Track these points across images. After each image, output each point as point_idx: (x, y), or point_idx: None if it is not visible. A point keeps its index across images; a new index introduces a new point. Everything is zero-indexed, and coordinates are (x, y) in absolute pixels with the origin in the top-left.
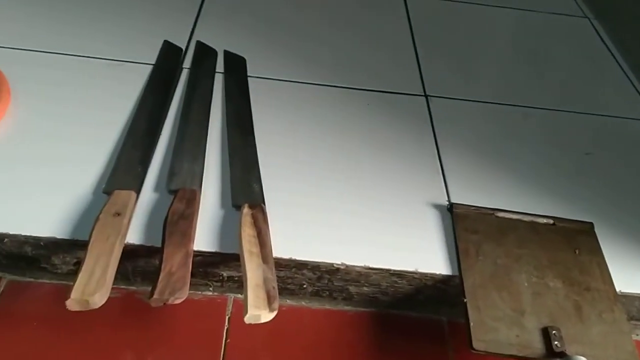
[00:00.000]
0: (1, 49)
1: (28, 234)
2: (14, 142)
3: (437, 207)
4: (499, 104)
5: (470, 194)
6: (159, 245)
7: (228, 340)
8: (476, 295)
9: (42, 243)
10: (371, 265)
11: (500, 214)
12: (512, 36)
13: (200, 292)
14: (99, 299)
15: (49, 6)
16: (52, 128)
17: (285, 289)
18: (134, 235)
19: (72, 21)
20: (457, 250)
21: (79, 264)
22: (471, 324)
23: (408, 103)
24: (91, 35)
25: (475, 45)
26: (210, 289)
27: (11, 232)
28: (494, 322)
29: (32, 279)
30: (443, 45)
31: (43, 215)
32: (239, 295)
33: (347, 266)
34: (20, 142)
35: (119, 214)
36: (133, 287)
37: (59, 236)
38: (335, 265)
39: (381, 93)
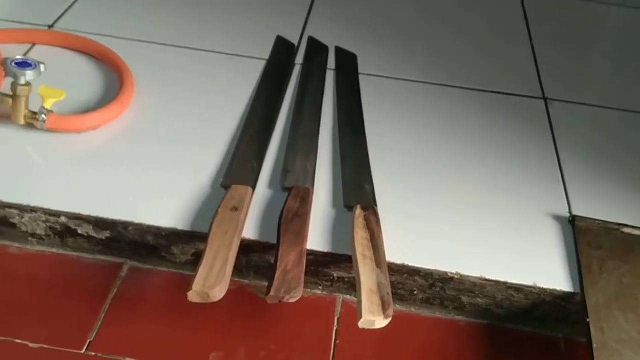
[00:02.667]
0: (126, 41)
1: (151, 224)
2: (138, 132)
3: (558, 218)
4: (625, 110)
5: (594, 207)
6: (273, 241)
7: (337, 341)
8: (600, 316)
9: (163, 233)
10: (487, 277)
11: (627, 230)
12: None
13: (309, 290)
14: (218, 293)
15: (172, 2)
16: (172, 121)
17: (395, 294)
18: (249, 231)
19: (192, 17)
20: (579, 266)
21: (196, 254)
22: (594, 346)
23: (525, 106)
24: (209, 30)
25: (598, 46)
26: (320, 288)
27: (135, 221)
28: (618, 345)
29: (151, 267)
30: (563, 45)
31: (164, 206)
32: (348, 297)
33: (461, 276)
34: (143, 133)
35: (236, 209)
36: (246, 281)
37: (179, 227)
38: (449, 274)
39: (496, 94)
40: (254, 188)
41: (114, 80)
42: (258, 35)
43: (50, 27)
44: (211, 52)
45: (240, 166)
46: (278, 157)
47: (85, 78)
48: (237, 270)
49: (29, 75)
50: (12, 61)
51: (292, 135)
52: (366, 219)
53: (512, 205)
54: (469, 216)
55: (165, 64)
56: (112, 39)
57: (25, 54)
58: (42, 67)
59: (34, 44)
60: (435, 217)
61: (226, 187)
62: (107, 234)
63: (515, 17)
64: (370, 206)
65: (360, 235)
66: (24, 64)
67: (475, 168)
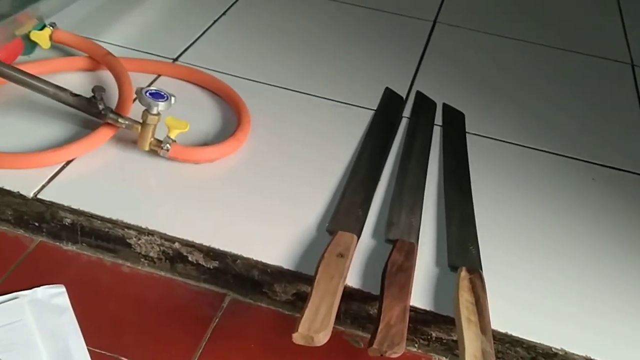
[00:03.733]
0: (244, 80)
1: (258, 259)
2: (251, 168)
3: None
4: None
5: None
6: (374, 292)
7: None
8: None
9: (268, 270)
10: (593, 357)
11: None
12: None
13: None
14: (323, 338)
15: (288, 47)
16: (283, 160)
17: None
18: (351, 278)
19: (307, 63)
20: None
21: (297, 295)
22: None
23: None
24: (322, 76)
25: None
26: (416, 345)
27: (244, 255)
28: None
29: (251, 301)
30: None
31: (271, 243)
32: (444, 358)
33: (566, 352)
34: (255, 170)
35: (342, 256)
36: (341, 328)
37: (285, 266)
38: (553, 350)
39: (610, 169)
40: (358, 236)
41: (231, 116)
42: (368, 85)
43: (175, 60)
44: (322, 98)
45: (346, 213)
46: (382, 208)
47: (205, 111)
48: (335, 316)
49: (160, 106)
50: (146, 91)
51: (398, 188)
52: (471, 282)
53: (627, 282)
54: (578, 292)
55: (279, 105)
56: (231, 77)
57: (150, 84)
58: (172, 99)
59: (159, 75)
60: (541, 288)
61: (332, 232)
62: (216, 264)
63: (627, 86)
64: (475, 269)
65: (465, 298)
66: (157, 95)
67: (587, 242)
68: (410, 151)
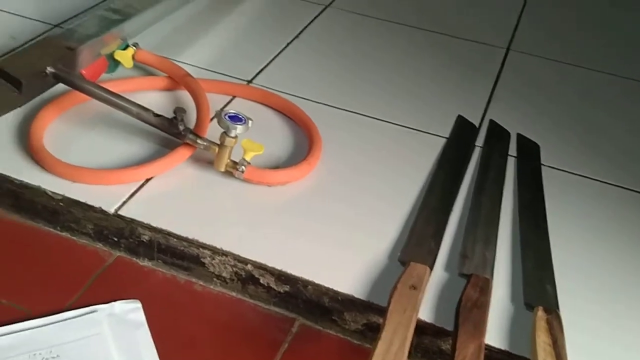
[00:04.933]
0: (317, 104)
1: (329, 286)
2: (322, 193)
3: None
4: None
5: None
6: (447, 327)
7: None
8: None
9: (339, 298)
10: None
11: None
12: None
13: None
14: None
15: (359, 71)
16: (354, 186)
17: None
18: (423, 312)
19: (377, 87)
20: None
21: (367, 325)
22: None
23: None
24: (393, 101)
25: None
26: None
27: (315, 281)
28: None
29: (320, 328)
30: None
31: (342, 270)
32: None
33: None
34: (326, 194)
35: (414, 288)
36: None
37: (356, 295)
38: None
39: None
40: (431, 268)
41: (303, 140)
42: (439, 112)
43: (249, 82)
44: (393, 124)
45: (418, 244)
46: (455, 239)
47: (278, 134)
48: None
49: (238, 129)
50: (225, 114)
51: (471, 220)
52: (548, 322)
53: None
54: None
55: (350, 129)
56: (303, 100)
57: (226, 105)
58: (250, 123)
59: (234, 97)
60: (623, 329)
61: (404, 262)
62: (287, 288)
63: None
64: (552, 309)
65: (542, 340)
66: (235, 118)
67: None
68: (483, 182)
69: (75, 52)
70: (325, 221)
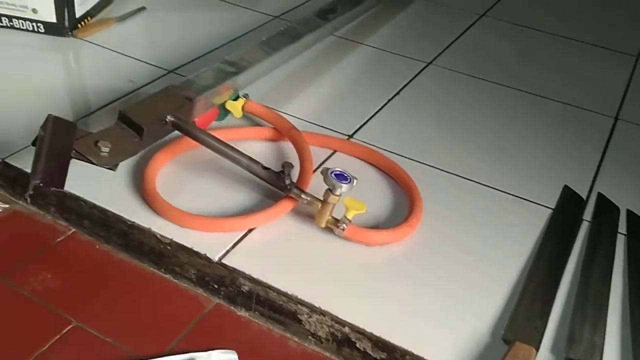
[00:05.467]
0: (418, 164)
1: (428, 359)
2: (421, 257)
3: None
4: None
5: None
6: None
7: None
8: None
9: None
10: None
11: None
12: None
13: None
14: None
15: (462, 131)
16: (454, 253)
17: None
18: None
19: (480, 150)
20: None
21: None
22: None
23: None
24: (496, 166)
25: None
26: None
27: (414, 352)
28: None
29: None
30: None
31: (442, 342)
32: None
33: None
34: (426, 259)
35: None
36: None
37: None
38: None
39: None
40: (537, 350)
41: (403, 199)
42: (544, 180)
43: (350, 136)
44: (496, 190)
45: (523, 322)
46: (562, 319)
47: (378, 192)
48: None
49: (344, 188)
50: (332, 172)
51: (579, 299)
52: None
53: None
54: None
55: (451, 192)
56: (403, 158)
57: (327, 159)
58: (354, 182)
59: (335, 151)
60: None
61: (508, 341)
62: (383, 355)
63: None
64: None
65: None
66: (341, 176)
67: None
68: (592, 260)
69: (192, 102)
70: (425, 288)
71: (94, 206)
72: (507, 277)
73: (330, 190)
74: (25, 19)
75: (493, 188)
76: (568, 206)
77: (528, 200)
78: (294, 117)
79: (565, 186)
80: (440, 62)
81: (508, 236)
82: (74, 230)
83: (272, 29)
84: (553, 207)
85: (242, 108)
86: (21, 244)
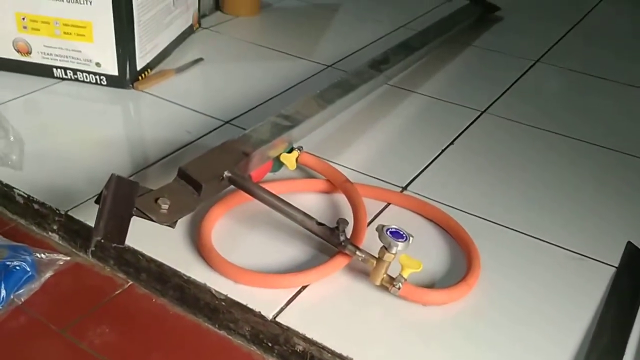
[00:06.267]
0: (472, 217)
1: None
2: (480, 318)
3: None
4: None
5: None
6: None
7: None
8: None
9: None
10: None
11: None
12: None
13: None
14: None
15: (518, 183)
16: (514, 312)
17: None
18: None
19: (539, 203)
20: None
21: None
22: None
23: None
24: (555, 220)
25: None
26: None
27: None
28: None
29: None
30: None
31: None
32: None
33: None
34: (485, 320)
35: None
36: None
37: None
38: None
39: None
40: None
41: (460, 255)
42: (607, 236)
43: (404, 188)
44: (556, 246)
45: None
46: None
47: (433, 248)
48: None
49: (400, 246)
50: (387, 229)
51: None
52: None
53: None
54: None
55: (509, 248)
56: (458, 211)
57: (381, 212)
58: (410, 239)
59: (389, 203)
60: None
61: None
62: None
63: None
64: None
65: None
66: (396, 234)
67: None
68: None
69: (249, 157)
70: (484, 351)
71: (151, 260)
72: (570, 339)
73: (385, 248)
74: (89, 72)
75: (553, 244)
76: (632, 265)
77: (590, 258)
78: (348, 168)
79: (629, 243)
80: (494, 111)
81: (570, 296)
82: (131, 283)
83: (325, 78)
84: (616, 265)
85: (296, 160)
86: (81, 296)
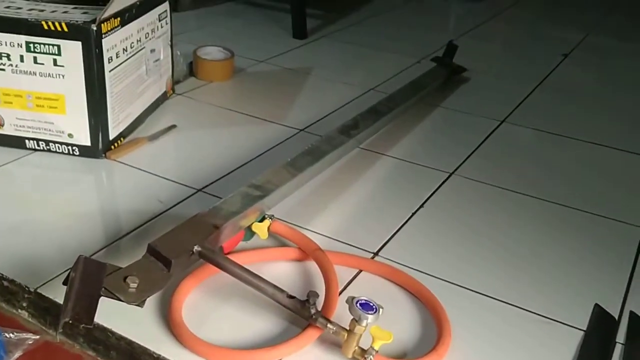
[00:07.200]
0: (444, 282)
1: None
2: None
3: None
4: None
5: None
6: None
7: None
8: None
9: None
10: None
11: None
12: None
13: None
14: None
15: (487, 248)
16: None
17: None
18: None
19: (506, 268)
20: None
21: None
22: None
23: None
24: (522, 284)
25: None
26: None
27: None
28: None
29: None
30: None
31: None
32: None
33: None
34: None
35: None
36: None
37: None
38: None
39: None
40: None
41: (431, 323)
42: (574, 299)
43: (375, 254)
44: (526, 310)
45: None
46: None
47: (404, 316)
48: None
49: (370, 318)
50: (357, 301)
51: None
52: None
53: None
54: None
55: (479, 313)
56: (429, 277)
57: (352, 280)
58: (380, 311)
59: (361, 270)
60: None
61: None
62: None
63: None
64: None
65: None
66: (366, 306)
67: None
68: None
69: (220, 230)
70: None
71: (121, 337)
72: None
73: (356, 321)
74: (61, 143)
75: (522, 309)
76: (600, 328)
77: (559, 322)
78: (319, 234)
79: (596, 305)
80: (463, 172)
81: None
82: None
83: (297, 142)
84: (584, 328)
85: (268, 229)
86: None
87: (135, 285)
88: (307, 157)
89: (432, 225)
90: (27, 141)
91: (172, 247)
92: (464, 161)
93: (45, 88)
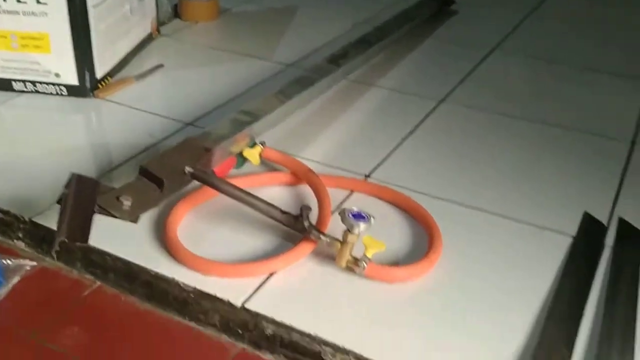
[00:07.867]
0: (435, 199)
1: None
2: (443, 293)
3: None
4: None
5: None
6: None
7: None
8: None
9: None
10: None
11: None
12: None
13: None
14: None
15: (478, 166)
16: (475, 287)
17: None
18: None
19: (497, 183)
20: None
21: None
22: None
23: None
24: (513, 197)
25: None
26: None
27: None
28: None
29: None
30: None
31: None
32: None
33: None
34: (447, 295)
35: None
36: None
37: None
38: None
39: None
40: None
41: (422, 235)
42: (564, 208)
43: (367, 176)
44: (515, 221)
45: (550, 351)
46: (588, 347)
47: (396, 229)
48: None
49: (362, 227)
50: (349, 212)
51: (605, 327)
52: None
53: None
54: None
55: (470, 226)
56: (421, 195)
57: (345, 200)
58: (372, 220)
59: (353, 191)
60: None
61: None
62: None
63: None
64: None
65: None
66: (358, 216)
67: None
68: (616, 286)
69: (211, 153)
70: (448, 323)
71: (118, 259)
72: (530, 306)
73: (348, 231)
74: (48, 83)
75: (512, 219)
76: (589, 233)
77: (549, 229)
78: (311, 160)
79: (585, 213)
80: (453, 100)
81: (529, 268)
82: (99, 283)
83: (285, 77)
84: (574, 235)
85: (260, 155)
86: (49, 300)
87: (128, 203)
88: (296, 85)
89: (422, 149)
90: (14, 83)
91: (164, 168)
92: (453, 89)
93: (29, 27)
